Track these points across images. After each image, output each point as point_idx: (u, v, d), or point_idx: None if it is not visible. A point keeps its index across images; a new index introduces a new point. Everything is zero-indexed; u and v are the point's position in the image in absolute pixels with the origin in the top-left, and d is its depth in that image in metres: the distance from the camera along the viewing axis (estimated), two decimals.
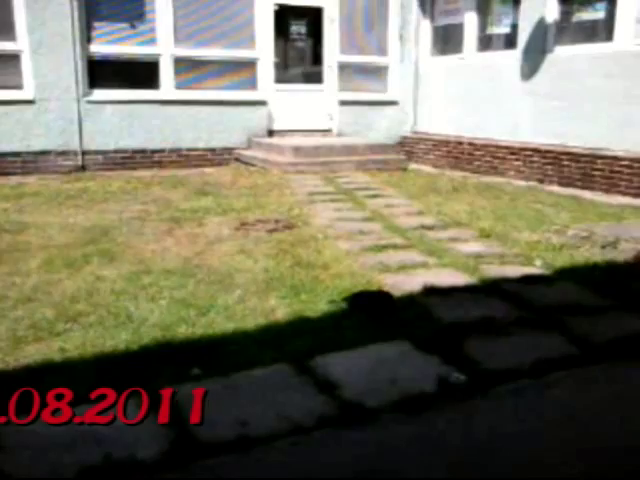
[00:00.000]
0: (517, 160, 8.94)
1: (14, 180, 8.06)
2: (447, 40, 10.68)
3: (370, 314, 3.52)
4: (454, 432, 2.41)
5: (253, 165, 9.30)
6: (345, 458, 2.23)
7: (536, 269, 4.45)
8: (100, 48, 8.98)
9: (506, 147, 9.12)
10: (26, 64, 8.51)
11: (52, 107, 8.63)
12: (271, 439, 2.31)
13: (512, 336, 3.27)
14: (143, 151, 9.27)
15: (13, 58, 8.49)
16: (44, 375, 2.85)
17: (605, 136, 7.81)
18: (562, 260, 4.64)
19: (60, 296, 3.84)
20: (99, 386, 2.70)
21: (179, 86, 9.52)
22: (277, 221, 5.85)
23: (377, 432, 2.40)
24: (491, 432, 2.41)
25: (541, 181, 8.49)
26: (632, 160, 7.45)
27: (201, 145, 9.64)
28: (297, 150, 9.04)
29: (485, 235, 5.40)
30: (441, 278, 4.15)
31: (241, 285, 4.06)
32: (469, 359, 2.97)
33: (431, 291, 3.88)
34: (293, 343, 3.18)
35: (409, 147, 10.98)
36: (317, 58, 10.72)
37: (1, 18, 8.33)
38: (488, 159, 9.43)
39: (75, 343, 3.19)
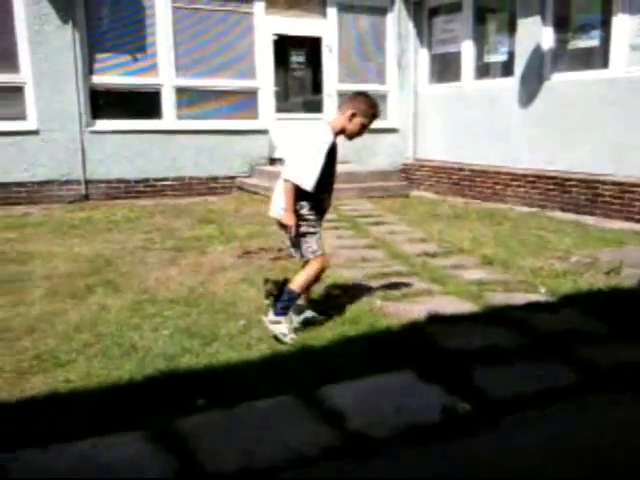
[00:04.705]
0: (519, 186, 8.99)
1: (19, 210, 8.11)
2: (445, 68, 10.82)
3: None
4: (458, 463, 2.39)
5: (255, 193, 9.35)
6: None
7: (540, 296, 4.45)
8: (102, 79, 9.11)
9: (507, 173, 9.18)
10: (29, 95, 8.62)
11: (55, 137, 8.72)
12: (276, 470, 2.30)
13: (516, 365, 3.26)
14: (146, 180, 9.34)
15: (17, 90, 8.61)
16: (49, 407, 2.86)
17: (605, 161, 7.87)
18: (566, 287, 4.64)
19: (64, 326, 3.85)
20: (104, 418, 2.70)
21: (181, 116, 9.63)
22: (280, 249, 5.86)
23: (383, 463, 2.39)
24: (494, 464, 2.39)
25: (543, 207, 8.52)
26: (633, 185, 7.49)
27: (203, 174, 9.71)
28: None
29: (488, 262, 5.41)
30: (445, 306, 4.15)
31: (245, 314, 4.06)
32: (474, 388, 2.96)
33: (435, 319, 3.88)
34: (297, 373, 3.17)
35: (410, 174, 11.05)
36: (317, 87, 10.85)
37: (5, 51, 8.47)
38: (489, 185, 9.49)
39: (80, 374, 3.19)
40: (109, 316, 4.02)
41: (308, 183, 3.54)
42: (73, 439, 2.51)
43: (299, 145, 3.66)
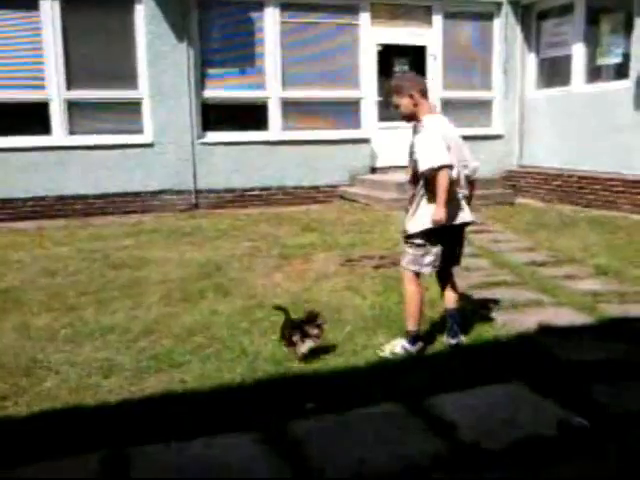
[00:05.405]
0: (633, 193, 8.51)
1: (133, 218, 8.56)
2: (553, 72, 10.44)
3: None
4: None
5: (356, 202, 9.41)
6: None
7: None
8: (213, 93, 9.46)
9: (620, 180, 8.72)
10: (146, 110, 9.10)
11: (169, 149, 9.16)
12: (388, 477, 2.31)
13: (638, 380, 3.11)
14: (251, 189, 9.62)
15: (135, 105, 9.11)
16: (166, 406, 3.00)
17: None
18: None
19: (179, 329, 4.04)
20: (218, 419, 2.81)
21: (286, 127, 9.84)
22: (382, 257, 5.87)
23: (495, 476, 2.34)
24: None
25: None
26: None
27: (306, 183, 9.88)
28: (400, 186, 9.03)
29: (601, 272, 5.16)
30: (557, 317, 4.01)
31: (350, 321, 4.10)
32: (591, 403, 2.84)
33: (546, 330, 3.76)
34: (403, 381, 3.18)
35: (515, 181, 10.73)
36: None
37: (126, 70, 9.00)
38: (599, 192, 9.05)
39: (194, 375, 3.34)
40: (220, 320, 4.18)
41: None
42: (190, 437, 2.62)
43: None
